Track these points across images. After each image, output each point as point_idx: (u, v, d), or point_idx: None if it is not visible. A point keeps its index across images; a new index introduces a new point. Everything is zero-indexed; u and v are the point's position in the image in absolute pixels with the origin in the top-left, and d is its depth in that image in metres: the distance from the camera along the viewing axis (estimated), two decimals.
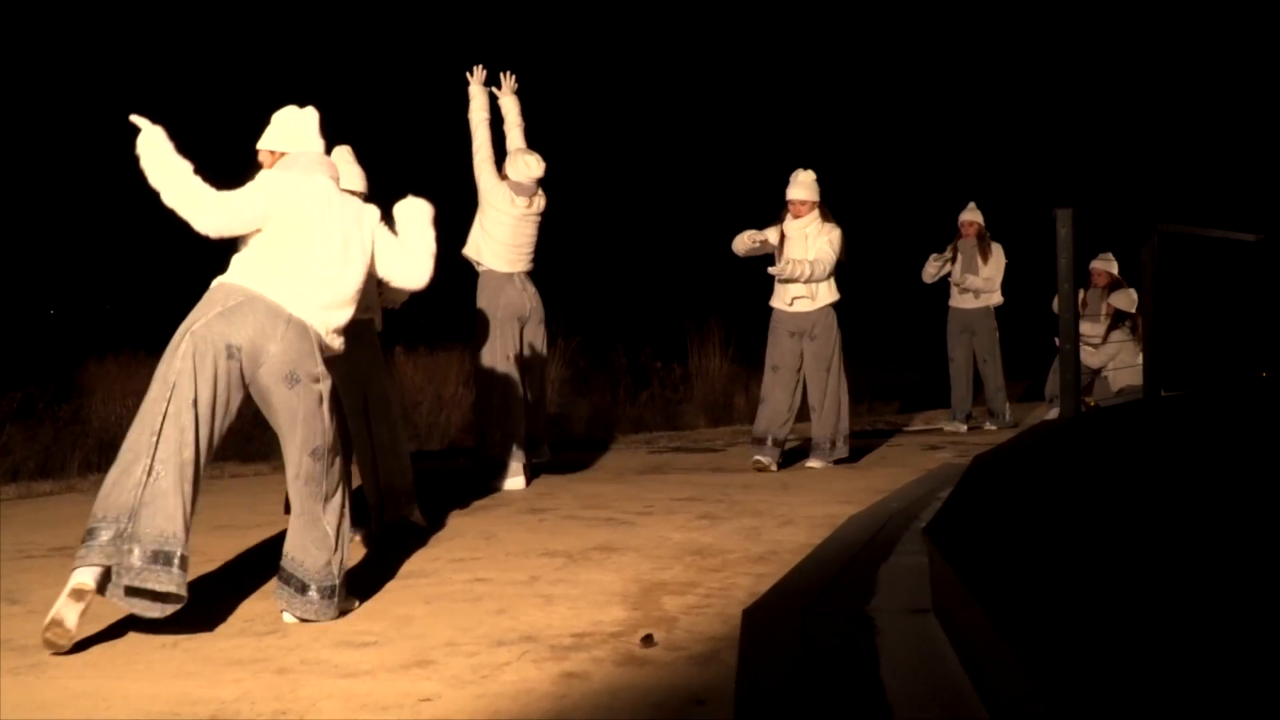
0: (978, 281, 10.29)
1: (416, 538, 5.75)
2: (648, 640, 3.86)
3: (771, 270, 7.85)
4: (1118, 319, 10.13)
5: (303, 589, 4.26)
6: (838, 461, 7.94)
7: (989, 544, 3.76)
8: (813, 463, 7.96)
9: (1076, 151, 21.93)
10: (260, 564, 5.19)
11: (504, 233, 7.26)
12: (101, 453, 9.83)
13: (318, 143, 4.60)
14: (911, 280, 10.96)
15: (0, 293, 18.43)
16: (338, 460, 4.41)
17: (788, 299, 7.91)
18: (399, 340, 13.10)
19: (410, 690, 3.47)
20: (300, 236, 4.35)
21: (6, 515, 6.63)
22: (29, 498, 7.49)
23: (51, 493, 7.70)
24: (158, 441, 4.03)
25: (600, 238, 18.66)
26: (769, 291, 8.09)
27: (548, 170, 7.32)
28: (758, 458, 7.88)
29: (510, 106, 7.58)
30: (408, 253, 4.68)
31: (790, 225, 7.89)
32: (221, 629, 4.21)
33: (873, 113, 22.94)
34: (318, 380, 4.33)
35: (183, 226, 4.28)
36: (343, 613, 4.36)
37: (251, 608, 4.49)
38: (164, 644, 4.03)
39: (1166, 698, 2.21)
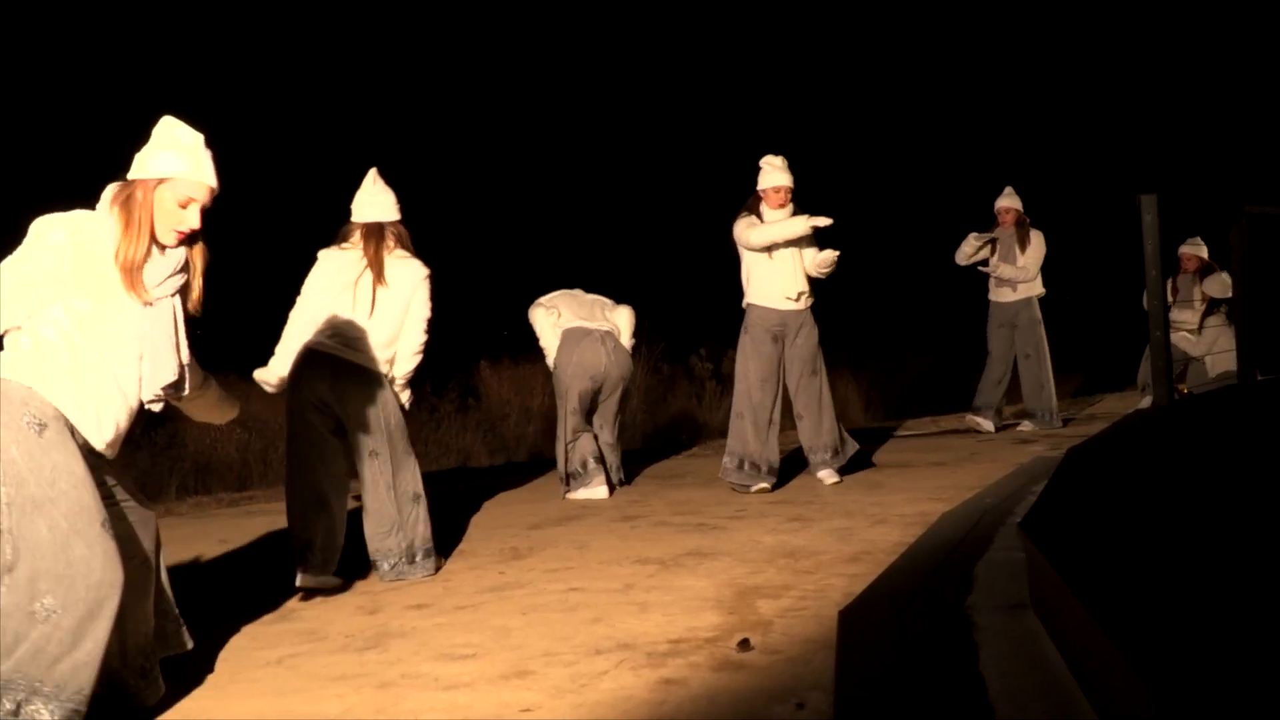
0: (1011, 271, 9.57)
1: (510, 552, 5.80)
2: (744, 644, 3.86)
3: (820, 268, 7.22)
4: (1213, 305, 9.89)
5: None
6: (842, 470, 7.32)
7: (1086, 537, 3.72)
8: (825, 475, 7.27)
9: (1126, 132, 21.59)
10: (356, 582, 5.26)
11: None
12: (198, 476, 10.02)
13: None
14: (945, 272, 10.43)
15: None
16: None
17: (777, 296, 7.23)
18: (485, 353, 13.26)
19: (511, 701, 3.49)
20: None
21: None
22: None
23: None
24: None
25: (682, 244, 18.71)
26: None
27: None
28: (760, 486, 7.12)
29: None
30: None
31: (769, 215, 7.22)
32: (323, 645, 4.28)
33: (915, 96, 22.70)
34: None
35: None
36: None
37: (351, 624, 4.55)
38: (268, 661, 4.10)
39: (1275, 691, 2.17)
